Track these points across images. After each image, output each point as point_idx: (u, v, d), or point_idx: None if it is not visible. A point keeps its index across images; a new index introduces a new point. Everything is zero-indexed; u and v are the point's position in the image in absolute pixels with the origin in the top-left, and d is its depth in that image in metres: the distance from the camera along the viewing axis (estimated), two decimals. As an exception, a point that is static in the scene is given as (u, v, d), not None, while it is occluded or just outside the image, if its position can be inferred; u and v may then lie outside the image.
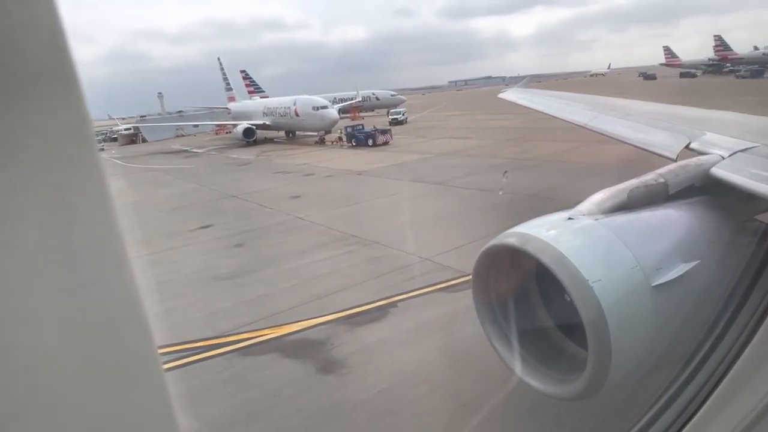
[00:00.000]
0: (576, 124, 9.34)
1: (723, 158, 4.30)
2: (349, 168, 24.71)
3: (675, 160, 4.98)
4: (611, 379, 3.16)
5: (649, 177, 4.02)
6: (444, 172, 21.31)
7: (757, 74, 74.79)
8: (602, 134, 8.05)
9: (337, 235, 13.08)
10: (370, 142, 33.10)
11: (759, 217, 4.20)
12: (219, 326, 8.30)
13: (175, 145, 45.79)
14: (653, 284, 3.19)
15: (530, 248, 3.34)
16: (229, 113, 53.86)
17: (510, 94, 15.55)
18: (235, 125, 43.97)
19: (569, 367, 3.52)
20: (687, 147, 5.25)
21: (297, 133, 43.91)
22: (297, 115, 39.02)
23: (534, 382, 3.61)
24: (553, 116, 10.99)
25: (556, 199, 14.01)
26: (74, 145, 0.56)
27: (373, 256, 11.20)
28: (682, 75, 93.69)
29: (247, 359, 7.27)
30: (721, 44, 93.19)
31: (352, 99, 59.95)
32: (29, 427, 0.56)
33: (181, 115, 73.26)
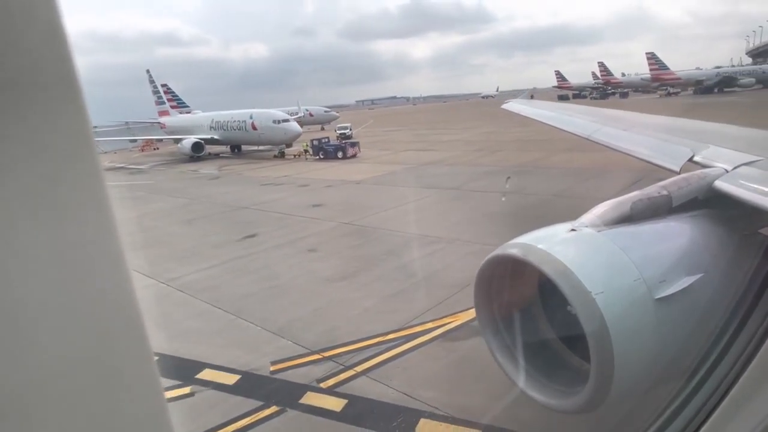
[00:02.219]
0: (578, 136, 9.36)
1: (727, 171, 4.29)
2: (342, 178, 24.59)
3: (678, 173, 4.97)
4: (614, 392, 3.13)
5: (652, 189, 4.02)
6: (445, 179, 21.44)
7: (604, 96, 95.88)
8: (605, 146, 8.04)
9: (410, 236, 13.04)
10: (340, 154, 33.16)
11: (763, 231, 4.18)
12: (394, 319, 8.28)
13: (105, 163, 43.52)
14: (656, 297, 3.17)
15: (533, 259, 3.34)
16: (162, 128, 51.86)
17: (513, 106, 15.75)
18: (179, 140, 42.18)
19: (571, 380, 3.48)
20: (690, 160, 5.24)
21: (243, 147, 43.28)
22: (254, 128, 38.14)
23: (536, 395, 3.58)
24: (555, 127, 11.03)
25: (581, 197, 14.48)
26: (72, 144, 0.56)
27: (471, 251, 11.14)
28: (575, 96, 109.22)
29: (459, 344, 7.34)
30: (604, 70, 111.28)
31: (291, 114, 59.13)
32: (21, 425, 0.55)
33: (95, 130, 72.12)
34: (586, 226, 3.61)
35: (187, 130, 44.30)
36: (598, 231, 3.55)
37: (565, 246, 3.45)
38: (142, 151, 53.17)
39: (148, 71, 57.30)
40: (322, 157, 33.94)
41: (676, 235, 3.81)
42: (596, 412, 3.33)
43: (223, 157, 42.04)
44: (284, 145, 38.11)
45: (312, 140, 36.25)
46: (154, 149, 52.39)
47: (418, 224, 14.05)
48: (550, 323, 3.86)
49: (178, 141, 42.31)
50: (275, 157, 37.83)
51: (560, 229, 3.66)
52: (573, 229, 3.59)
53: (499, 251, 3.62)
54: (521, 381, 3.67)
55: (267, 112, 39.71)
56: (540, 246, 3.42)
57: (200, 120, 46.04)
